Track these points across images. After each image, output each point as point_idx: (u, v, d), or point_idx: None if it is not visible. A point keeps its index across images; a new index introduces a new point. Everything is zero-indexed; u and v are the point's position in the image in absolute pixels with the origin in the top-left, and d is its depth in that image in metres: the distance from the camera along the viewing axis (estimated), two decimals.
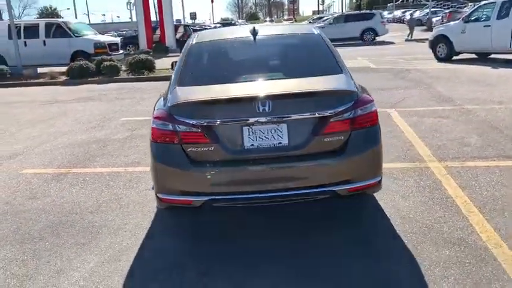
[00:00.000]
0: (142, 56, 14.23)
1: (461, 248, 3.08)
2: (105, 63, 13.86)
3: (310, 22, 38.52)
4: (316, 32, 4.11)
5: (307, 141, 3.05)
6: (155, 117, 3.18)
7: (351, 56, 16.85)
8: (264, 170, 3.04)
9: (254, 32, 4.00)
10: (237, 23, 45.56)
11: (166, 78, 11.52)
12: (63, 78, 14.10)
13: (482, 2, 13.37)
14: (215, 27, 36.18)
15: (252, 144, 3.04)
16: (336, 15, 32.18)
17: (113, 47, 16.88)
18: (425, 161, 4.81)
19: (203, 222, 3.70)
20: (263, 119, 3.00)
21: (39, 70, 15.69)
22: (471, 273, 2.79)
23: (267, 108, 2.99)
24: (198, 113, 3.05)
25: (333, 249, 3.18)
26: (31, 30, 16.53)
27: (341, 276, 2.85)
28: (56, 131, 7.51)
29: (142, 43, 26.11)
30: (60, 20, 17.44)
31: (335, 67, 3.56)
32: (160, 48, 24.97)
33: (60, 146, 6.42)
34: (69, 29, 16.42)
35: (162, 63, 14.54)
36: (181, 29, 28.50)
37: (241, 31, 4.19)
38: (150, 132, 3.20)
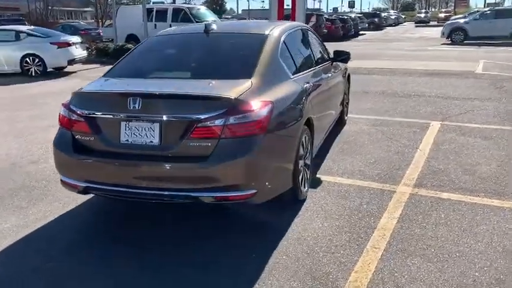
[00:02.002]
0: None
1: (313, 284, 2.78)
2: None
3: (464, 17, 34.89)
4: (266, 33, 3.95)
5: (175, 144, 3.05)
6: (62, 104, 3.49)
7: (473, 58, 15.04)
8: (133, 167, 3.14)
9: (206, 30, 4.05)
10: (383, 14, 43.58)
11: None
12: None
13: None
14: (355, 17, 35.21)
15: (127, 140, 3.15)
16: (484, 10, 28.60)
17: None
18: (398, 184, 4.27)
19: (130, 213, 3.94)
20: (132, 116, 3.09)
21: None
22: None
23: (137, 106, 3.07)
24: (86, 104, 3.28)
25: (198, 252, 3.15)
26: (161, 15, 18.34)
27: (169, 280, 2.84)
28: None
29: None
30: (185, 6, 18.97)
31: (249, 71, 3.42)
32: None
33: None
34: (192, 14, 17.76)
35: None
36: (313, 18, 28.43)
37: (200, 28, 4.23)
38: None
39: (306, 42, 4.75)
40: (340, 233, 3.39)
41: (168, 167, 3.06)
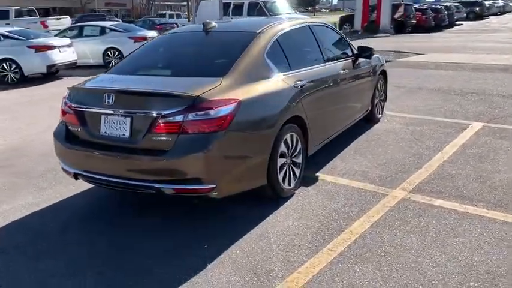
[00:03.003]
0: None
1: (250, 279, 2.84)
2: None
3: None
4: (258, 31, 4.01)
5: (141, 138, 3.27)
6: (63, 97, 3.88)
7: None
8: (109, 157, 3.41)
9: (205, 28, 4.21)
10: (486, 3, 39.91)
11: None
12: None
13: None
14: (451, 6, 32.81)
15: (105, 132, 3.44)
16: None
17: None
18: (395, 188, 4.10)
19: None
20: (105, 111, 3.37)
21: None
22: None
23: (110, 101, 3.33)
24: (76, 98, 3.63)
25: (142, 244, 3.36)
26: (238, 8, 18.80)
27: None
28: None
29: (357, 22, 26.27)
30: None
31: (225, 70, 3.53)
32: (369, 28, 24.65)
33: None
34: (266, 8, 17.96)
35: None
36: (401, 9, 27.05)
37: (200, 27, 4.39)
38: None
39: (311, 39, 4.68)
40: (306, 233, 3.38)
41: (135, 159, 3.29)
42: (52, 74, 12.34)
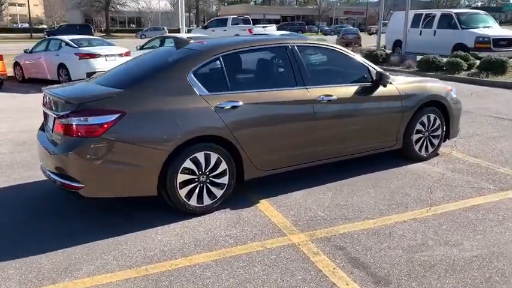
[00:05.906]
0: (494, 56, 12.53)
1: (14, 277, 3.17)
2: (454, 59, 13.26)
3: None
4: (200, 50, 4.16)
5: (52, 134, 3.90)
6: None
7: None
8: (42, 147, 4.11)
9: (175, 45, 4.55)
10: None
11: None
12: (415, 69, 14.60)
13: None
14: None
15: (49, 127, 4.19)
16: None
17: (500, 42, 15.11)
18: (302, 232, 3.64)
19: None
20: (47, 110, 4.08)
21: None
22: None
23: (47, 102, 4.06)
24: (43, 100, 4.45)
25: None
26: (429, 21, 17.27)
27: None
28: None
29: None
30: (454, 11, 16.83)
31: (132, 82, 3.88)
32: None
33: None
34: (459, 20, 15.96)
35: None
36: None
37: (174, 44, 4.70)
38: None
39: (284, 62, 4.38)
40: (153, 250, 3.41)
41: (48, 151, 3.91)
42: None
